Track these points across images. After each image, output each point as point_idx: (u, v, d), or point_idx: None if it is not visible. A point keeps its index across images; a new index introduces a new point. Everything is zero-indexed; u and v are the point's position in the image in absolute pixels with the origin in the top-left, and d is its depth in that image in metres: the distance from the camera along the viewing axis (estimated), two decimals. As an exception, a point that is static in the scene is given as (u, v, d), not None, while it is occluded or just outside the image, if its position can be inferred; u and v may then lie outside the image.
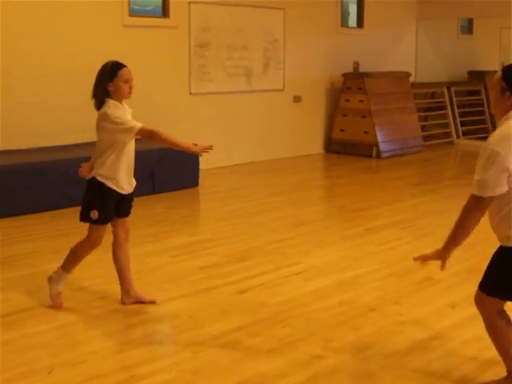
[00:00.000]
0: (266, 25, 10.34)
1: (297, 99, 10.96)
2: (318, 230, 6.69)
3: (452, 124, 12.88)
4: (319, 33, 11.18)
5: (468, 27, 14.50)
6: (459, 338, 4.20)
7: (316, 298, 4.83)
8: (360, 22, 12.08)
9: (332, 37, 11.37)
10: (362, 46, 11.85)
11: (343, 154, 11.25)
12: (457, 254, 6.08)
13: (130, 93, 4.42)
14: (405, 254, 5.94)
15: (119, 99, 4.39)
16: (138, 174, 7.77)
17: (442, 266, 3.70)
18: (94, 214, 4.44)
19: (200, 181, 8.60)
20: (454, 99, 13.05)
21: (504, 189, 3.24)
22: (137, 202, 7.71)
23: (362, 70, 11.54)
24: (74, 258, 4.61)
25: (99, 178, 4.43)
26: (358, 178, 9.61)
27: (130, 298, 4.69)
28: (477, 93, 13.65)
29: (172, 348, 4.09)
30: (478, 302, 3.64)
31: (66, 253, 4.63)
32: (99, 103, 4.37)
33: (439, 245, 6.29)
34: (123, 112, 4.38)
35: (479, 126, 13.45)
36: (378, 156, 10.97)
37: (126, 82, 4.38)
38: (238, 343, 4.06)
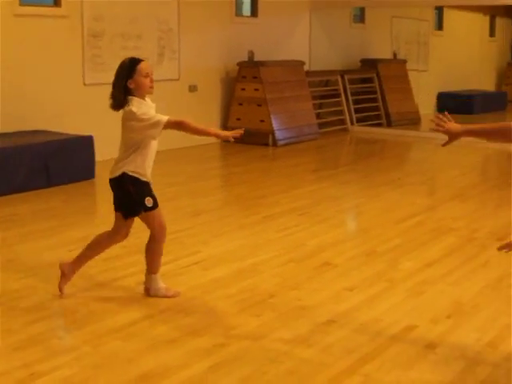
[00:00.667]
0: (160, 14, 10.25)
1: (192, 88, 10.93)
2: (217, 219, 6.71)
3: (346, 111, 13.13)
4: (214, 22, 11.16)
5: (360, 16, 14.78)
6: (358, 320, 4.30)
7: (216, 287, 4.85)
8: (254, 11, 12.14)
9: (227, 26, 11.38)
10: (257, 35, 11.90)
11: (240, 143, 11.21)
12: (353, 237, 6.29)
13: (151, 87, 4.38)
14: (303, 239, 6.03)
15: (142, 95, 4.35)
16: (31, 166, 7.69)
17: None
18: (149, 201, 4.47)
19: (97, 172, 8.45)
20: (348, 87, 13.29)
21: None
22: (32, 195, 7.62)
23: (256, 58, 11.60)
24: (153, 256, 4.61)
25: (131, 174, 4.41)
26: (255, 166, 9.68)
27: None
28: (369, 80, 13.94)
29: (72, 343, 4.02)
30: None
31: None
32: (118, 103, 4.33)
33: (338, 229, 6.49)
34: (148, 108, 4.35)
35: (372, 112, 13.77)
36: (275, 144, 11.07)
37: (147, 76, 4.33)
38: (139, 335, 4.03)
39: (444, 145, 3.77)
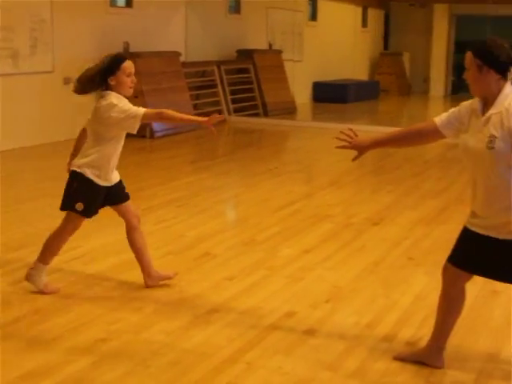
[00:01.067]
0: (32, 5, 9.97)
1: (67, 81, 10.68)
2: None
3: (223, 102, 13.19)
4: (88, 13, 10.92)
5: (236, 7, 14.84)
6: (238, 309, 4.36)
7: (95, 281, 4.79)
8: (129, 2, 11.96)
9: (101, 16, 11.17)
10: (132, 26, 11.74)
11: (117, 135, 11.13)
12: (231, 228, 6.35)
13: (131, 87, 4.33)
14: (182, 231, 6.05)
15: (120, 93, 4.30)
16: None
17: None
18: (80, 207, 4.38)
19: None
20: (225, 77, 13.35)
21: None
22: None
23: (132, 49, 11.45)
24: (52, 249, 4.53)
25: (87, 174, 4.33)
26: (132, 159, 9.55)
27: (153, 279, 4.66)
28: (246, 71, 14.05)
29: None
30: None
31: None
32: (83, 89, 4.45)
33: (216, 219, 6.53)
34: (127, 101, 4.32)
35: (249, 102, 13.89)
36: (152, 136, 10.99)
37: (129, 75, 4.27)
38: (18, 335, 3.95)
39: (354, 159, 3.88)
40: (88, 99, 9.96)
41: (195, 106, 12.61)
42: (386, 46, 21.32)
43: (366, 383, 3.48)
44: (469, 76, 3.39)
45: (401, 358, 3.71)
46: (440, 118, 3.60)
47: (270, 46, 15.65)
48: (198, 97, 13.19)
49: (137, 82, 10.82)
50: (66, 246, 5.47)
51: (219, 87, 13.18)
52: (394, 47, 21.03)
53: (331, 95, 16.56)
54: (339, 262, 5.30)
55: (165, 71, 11.55)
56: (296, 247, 5.56)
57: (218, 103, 13.24)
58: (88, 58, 10.96)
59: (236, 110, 13.40)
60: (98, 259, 5.27)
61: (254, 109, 13.94)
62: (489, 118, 3.33)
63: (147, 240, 5.69)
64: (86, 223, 6.14)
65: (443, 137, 3.62)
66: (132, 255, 5.33)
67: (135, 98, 10.90)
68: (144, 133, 10.97)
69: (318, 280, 4.88)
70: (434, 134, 3.64)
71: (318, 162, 9.89)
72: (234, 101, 13.44)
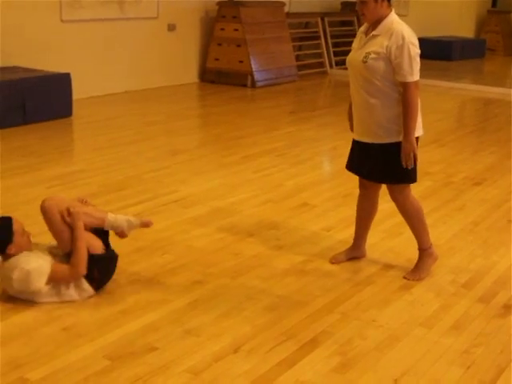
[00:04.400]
0: (139, -49, 10.06)
1: (171, 27, 10.77)
2: (195, 159, 6.68)
3: (325, 54, 13.04)
4: (194, -41, 10.97)
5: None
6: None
7: (195, 225, 4.86)
8: (234, -50, 11.92)
9: (207, -36, 11.19)
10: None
11: (218, 84, 11.19)
12: (331, 179, 6.30)
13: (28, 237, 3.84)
14: (281, 180, 6.05)
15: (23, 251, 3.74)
16: (8, 103, 7.59)
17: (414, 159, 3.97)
18: None
19: (74, 110, 8.37)
20: (328, 29, 13.17)
21: None
22: (8, 132, 7.54)
23: (237, -2, 11.45)
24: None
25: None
26: (234, 107, 9.62)
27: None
28: (349, 23, 13.81)
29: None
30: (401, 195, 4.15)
31: None
32: None
33: (316, 171, 6.49)
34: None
35: (351, 56, 13.67)
36: (253, 85, 10.99)
37: (23, 232, 3.80)
38: (120, 271, 4.04)
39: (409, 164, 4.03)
40: (193, 47, 10.06)
41: (298, 57, 12.52)
42: (493, 3, 20.54)
43: (460, 343, 3.42)
44: (365, 8, 3.81)
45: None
46: None
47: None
48: (300, 48, 13.07)
49: (240, 30, 10.99)
50: (164, 190, 5.61)
51: (322, 39, 13.02)
52: (502, 5, 20.24)
53: (436, 52, 16.09)
54: (438, 219, 5.20)
55: (268, 21, 11.47)
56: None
57: (320, 55, 13.10)
58: (192, 5, 11.08)
59: (338, 63, 13.22)
60: (197, 203, 5.33)
61: (356, 62, 13.70)
62: (371, 38, 3.86)
63: (247, 187, 5.79)
64: (184, 168, 6.29)
65: None
66: (231, 201, 5.42)
67: (238, 47, 10.97)
68: (245, 82, 10.99)
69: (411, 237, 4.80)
70: None
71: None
72: (336, 53, 13.26)
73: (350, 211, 5.19)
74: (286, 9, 12.29)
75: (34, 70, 8.34)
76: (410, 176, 4.04)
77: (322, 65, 13.03)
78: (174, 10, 10.70)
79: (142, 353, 3.21)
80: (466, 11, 19.04)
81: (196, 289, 3.87)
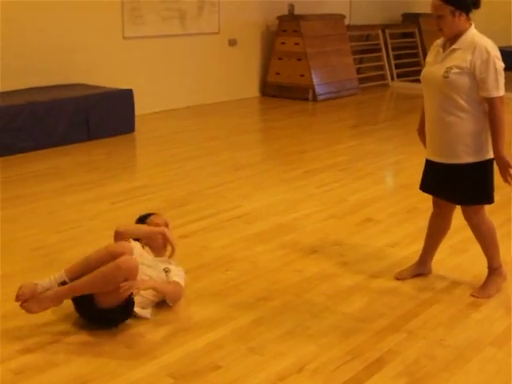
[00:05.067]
0: (200, -34, 10.14)
1: (232, 42, 10.82)
2: (257, 174, 6.67)
3: (387, 66, 12.92)
4: (255, -26, 11.00)
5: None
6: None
7: (258, 241, 4.84)
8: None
9: (267, -21, 11.20)
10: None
11: (279, 98, 11.19)
12: (395, 194, 6.21)
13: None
14: (344, 195, 5.99)
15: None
16: (72, 119, 7.71)
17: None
18: None
19: (136, 126, 8.45)
20: (389, 41, 13.06)
21: None
22: (72, 148, 7.65)
23: (297, 12, 11.42)
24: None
25: None
26: (295, 121, 9.60)
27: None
28: (411, 35, 13.68)
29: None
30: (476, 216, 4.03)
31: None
32: None
33: (379, 185, 6.40)
34: None
35: (413, 68, 13.50)
36: (314, 99, 10.96)
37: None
38: (185, 286, 4.04)
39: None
40: (254, 62, 10.06)
41: (358, 70, 12.44)
42: None
43: (533, 363, 3.31)
44: (443, 23, 3.69)
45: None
46: None
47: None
48: (361, 61, 12.99)
49: (301, 44, 10.96)
50: (227, 205, 5.60)
51: (383, 51, 12.90)
52: None
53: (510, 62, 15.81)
54: (507, 233, 5.07)
55: (329, 34, 11.43)
56: (461, 217, 5.33)
57: (381, 68, 12.99)
58: (253, 20, 11.11)
59: (399, 75, 13.10)
60: (260, 219, 5.31)
61: (417, 74, 13.44)
62: (451, 52, 3.74)
63: (310, 202, 5.74)
64: (247, 183, 6.27)
65: None
66: (293, 217, 5.38)
67: (299, 61, 10.96)
68: (307, 95, 10.97)
69: (479, 252, 4.67)
70: None
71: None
72: (397, 66, 13.13)
73: (414, 227, 5.14)
74: (347, 21, 12.24)
75: (97, 87, 8.46)
76: (488, 196, 3.93)
77: (383, 77, 12.91)
78: (234, 25, 10.75)
79: (205, 371, 3.19)
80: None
81: (260, 306, 3.84)
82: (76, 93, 8.09)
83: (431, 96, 3.86)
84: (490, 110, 3.71)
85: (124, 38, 9.33)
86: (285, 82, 11.14)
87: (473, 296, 4.01)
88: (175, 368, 3.21)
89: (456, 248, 4.75)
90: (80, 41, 8.75)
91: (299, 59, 11.01)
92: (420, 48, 13.58)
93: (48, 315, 3.64)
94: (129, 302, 3.56)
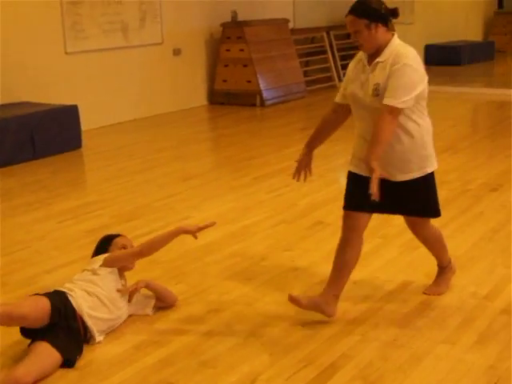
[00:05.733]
0: (140, -23, 10.06)
1: (177, 52, 10.74)
2: (207, 183, 6.62)
3: (333, 68, 12.98)
4: (195, -18, 10.95)
5: (342, -30, 14.52)
6: (352, 279, 4.19)
7: (208, 252, 4.78)
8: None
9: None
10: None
11: (227, 105, 11.14)
12: (336, 197, 6.12)
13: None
14: (294, 200, 5.97)
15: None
16: (17, 139, 7.57)
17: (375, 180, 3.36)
18: None
19: (83, 142, 8.34)
20: (334, 43, 13.12)
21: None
22: (18, 168, 7.52)
23: (240, 18, 11.38)
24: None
25: None
26: (244, 127, 9.57)
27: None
28: (355, 35, 13.72)
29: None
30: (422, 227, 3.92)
31: None
32: None
33: (329, 187, 6.37)
34: None
35: (359, 68, 13.58)
36: (262, 104, 10.94)
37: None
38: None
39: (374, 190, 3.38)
40: (199, 70, 10.07)
41: (306, 73, 12.47)
42: (500, 5, 20.40)
43: (485, 358, 3.30)
44: (361, 38, 3.49)
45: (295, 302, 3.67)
46: (338, 95, 3.81)
47: (381, 8, 15.19)
48: (307, 63, 13.01)
49: (246, 50, 10.92)
50: (176, 216, 5.54)
51: (329, 53, 12.96)
52: (509, 6, 20.10)
53: (444, 57, 16.02)
54: (456, 229, 5.10)
55: (274, 39, 11.43)
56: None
57: (328, 69, 13.04)
58: (196, 28, 11.06)
59: (346, 76, 13.15)
60: (209, 229, 5.18)
61: (364, 74, 13.59)
62: (375, 66, 3.49)
63: (260, 209, 5.71)
64: (196, 193, 6.22)
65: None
66: (244, 224, 5.33)
67: (245, 67, 10.94)
68: (254, 101, 10.95)
69: (433, 249, 4.70)
70: (342, 110, 3.79)
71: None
72: (344, 67, 13.17)
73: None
74: (291, 25, 12.26)
75: (42, 104, 8.33)
76: (435, 210, 3.84)
77: (330, 79, 12.96)
78: (178, 34, 10.69)
79: (157, 389, 3.13)
80: (472, 14, 18.94)
81: (210, 318, 3.78)
82: (20, 111, 7.95)
83: (364, 115, 3.57)
84: (379, 116, 3.40)
85: (66, 53, 9.20)
86: (232, 88, 11.11)
87: (425, 293, 4.01)
88: (125, 388, 3.15)
89: (407, 246, 4.75)
90: (23, 58, 8.61)
91: (245, 65, 10.99)
92: (365, 48, 13.62)
93: None
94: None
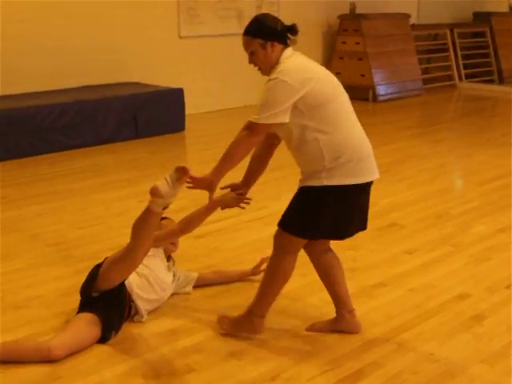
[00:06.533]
0: (259, -35, 10.09)
1: (292, 42, 10.70)
2: (293, 174, 6.55)
3: (454, 66, 12.60)
4: (315, -28, 10.87)
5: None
6: (409, 285, 4.12)
7: (271, 243, 4.74)
8: (361, -39, 11.75)
9: (328, -24, 11.05)
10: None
11: (340, 98, 11.02)
12: (428, 198, 5.97)
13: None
14: (376, 198, 5.71)
15: None
16: (120, 118, 7.79)
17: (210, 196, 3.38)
18: None
19: (188, 125, 8.47)
20: (457, 41, 12.71)
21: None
22: (119, 146, 7.72)
23: (359, 11, 11.24)
24: None
25: None
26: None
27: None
28: (482, 34, 13.27)
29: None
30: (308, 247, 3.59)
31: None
32: None
33: (413, 189, 6.12)
34: None
35: (483, 68, 13.13)
36: (375, 99, 10.77)
37: None
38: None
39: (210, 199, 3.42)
40: (314, 60, 9.78)
41: (425, 70, 12.18)
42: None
43: (524, 383, 3.13)
44: (255, 59, 3.26)
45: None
46: None
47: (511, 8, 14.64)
48: (428, 61, 12.70)
49: (362, 43, 10.74)
50: (251, 206, 5.52)
51: (451, 51, 12.58)
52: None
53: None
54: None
55: (392, 33, 11.20)
56: (490, 225, 5.16)
57: (449, 68, 12.67)
58: (313, 19, 10.97)
59: (468, 76, 12.75)
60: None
61: (487, 75, 13.14)
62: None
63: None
64: (278, 184, 6.18)
65: (276, 137, 3.42)
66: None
67: (359, 61, 10.78)
68: (367, 96, 10.79)
69: (504, 263, 4.46)
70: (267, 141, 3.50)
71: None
72: (466, 66, 12.78)
73: (439, 233, 5.00)
74: (414, 20, 11.99)
75: (148, 86, 8.52)
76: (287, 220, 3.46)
77: (450, 78, 12.58)
78: (294, 23, 10.63)
79: (180, 373, 3.14)
80: None
81: (252, 310, 3.76)
82: (125, 91, 8.16)
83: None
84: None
85: (180, 37, 9.37)
86: (345, 81, 10.87)
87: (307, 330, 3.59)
88: (148, 368, 3.18)
89: (477, 257, 4.56)
90: (135, 39, 8.83)
91: (360, 59, 10.84)
92: (491, 48, 13.16)
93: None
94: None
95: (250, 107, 10.09)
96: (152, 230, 3.52)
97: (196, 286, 4.06)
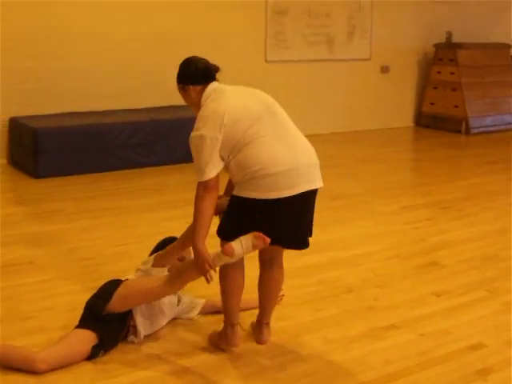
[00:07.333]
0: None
1: (385, 69, 10.54)
2: (352, 205, 6.43)
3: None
4: (409, 0, 10.62)
5: None
6: (424, 329, 3.90)
7: (298, 275, 4.62)
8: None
9: (423, 4, 10.74)
10: (456, 15, 11.12)
11: (433, 128, 10.74)
12: (482, 238, 5.63)
13: None
14: (427, 235, 5.61)
15: None
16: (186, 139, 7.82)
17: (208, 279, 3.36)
18: None
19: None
20: None
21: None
22: (190, 167, 7.73)
23: (455, 40, 10.91)
24: None
25: None
26: (436, 153, 9.11)
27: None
28: None
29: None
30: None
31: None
32: None
33: (470, 228, 5.76)
34: None
35: None
36: (468, 132, 10.40)
37: None
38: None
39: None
40: (407, 90, 9.78)
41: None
42: None
43: None
44: (186, 99, 3.50)
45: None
46: None
47: None
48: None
49: (456, 73, 10.41)
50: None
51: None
52: None
53: None
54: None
55: (490, 64, 10.82)
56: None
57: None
58: (407, 46, 10.75)
59: None
60: (317, 252, 4.92)
61: None
62: None
63: (385, 239, 5.43)
64: (333, 214, 6.04)
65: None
66: (355, 253, 5.10)
67: (453, 91, 10.47)
68: (459, 128, 10.45)
69: (537, 314, 4.18)
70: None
71: None
72: None
73: (479, 276, 4.71)
74: (515, 51, 11.53)
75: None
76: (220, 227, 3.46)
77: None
78: (387, 51, 10.49)
79: None
80: None
81: (251, 340, 3.67)
82: (186, 114, 8.21)
83: None
84: None
85: (266, 61, 9.38)
86: (439, 112, 10.69)
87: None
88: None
89: (509, 306, 4.28)
90: (221, 62, 8.86)
91: (454, 89, 10.52)
92: None
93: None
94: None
95: (336, 134, 9.98)
96: (186, 283, 3.55)
97: (206, 313, 4.01)
